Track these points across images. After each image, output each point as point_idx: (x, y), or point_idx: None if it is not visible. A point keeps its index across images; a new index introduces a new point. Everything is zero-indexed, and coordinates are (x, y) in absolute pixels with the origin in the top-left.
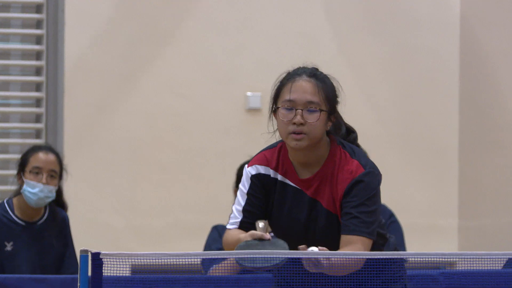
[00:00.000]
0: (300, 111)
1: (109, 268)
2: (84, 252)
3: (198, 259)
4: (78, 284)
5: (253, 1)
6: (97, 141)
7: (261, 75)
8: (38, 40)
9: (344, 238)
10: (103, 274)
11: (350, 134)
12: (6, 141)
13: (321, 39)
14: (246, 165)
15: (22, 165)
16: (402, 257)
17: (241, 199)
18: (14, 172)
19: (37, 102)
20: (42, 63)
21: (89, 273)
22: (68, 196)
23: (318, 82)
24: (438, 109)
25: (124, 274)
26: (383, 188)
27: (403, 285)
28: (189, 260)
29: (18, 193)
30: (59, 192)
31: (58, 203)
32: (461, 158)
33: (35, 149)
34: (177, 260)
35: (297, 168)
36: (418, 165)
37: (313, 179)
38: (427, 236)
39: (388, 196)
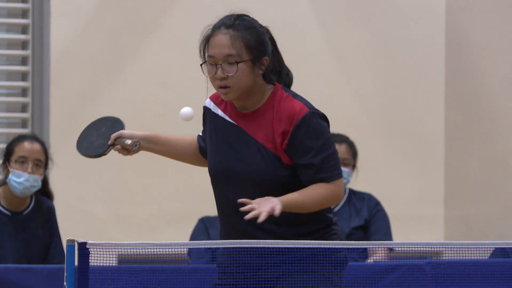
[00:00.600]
0: (220, 66)
1: (95, 258)
2: (71, 242)
3: (185, 249)
4: (65, 273)
5: None
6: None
7: None
8: (23, 29)
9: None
10: (90, 264)
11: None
12: None
13: (307, 30)
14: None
15: (8, 155)
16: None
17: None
18: (0, 161)
19: (23, 92)
20: (27, 52)
21: (76, 263)
22: (54, 185)
23: (236, 32)
24: (423, 99)
25: (110, 264)
26: (369, 178)
27: (340, 277)
28: (176, 249)
29: (3, 183)
30: (45, 182)
31: (44, 193)
32: (446, 148)
33: (20, 138)
34: (164, 249)
35: (236, 104)
36: (404, 155)
37: (251, 115)
38: (413, 226)
39: (374, 186)
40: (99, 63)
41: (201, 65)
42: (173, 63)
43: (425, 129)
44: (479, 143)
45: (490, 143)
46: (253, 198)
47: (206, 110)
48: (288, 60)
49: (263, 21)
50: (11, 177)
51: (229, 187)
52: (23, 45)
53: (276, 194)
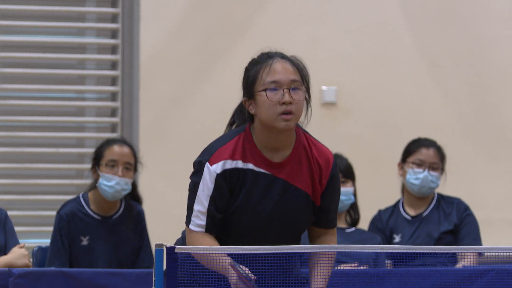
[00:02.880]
0: (287, 90)
1: (183, 262)
2: (159, 246)
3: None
4: (153, 278)
5: None
6: (172, 134)
7: (336, 69)
8: (113, 34)
9: (323, 231)
10: (178, 268)
11: None
12: (82, 135)
13: (397, 31)
14: (206, 163)
15: (97, 159)
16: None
17: (203, 199)
18: (89, 166)
19: (113, 96)
20: (117, 57)
21: (164, 267)
22: (143, 189)
23: (293, 62)
24: None
25: (198, 269)
26: (459, 182)
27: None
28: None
29: (93, 187)
30: (134, 186)
31: (133, 197)
32: None
33: (109, 142)
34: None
35: (266, 154)
36: (494, 158)
37: (287, 163)
38: (503, 230)
39: (463, 189)
40: (189, 67)
41: (247, 97)
42: None
43: None
44: None
45: None
46: (288, 243)
47: (232, 172)
48: (379, 63)
49: (353, 24)
50: (102, 181)
51: (267, 238)
52: (113, 49)
53: (300, 236)
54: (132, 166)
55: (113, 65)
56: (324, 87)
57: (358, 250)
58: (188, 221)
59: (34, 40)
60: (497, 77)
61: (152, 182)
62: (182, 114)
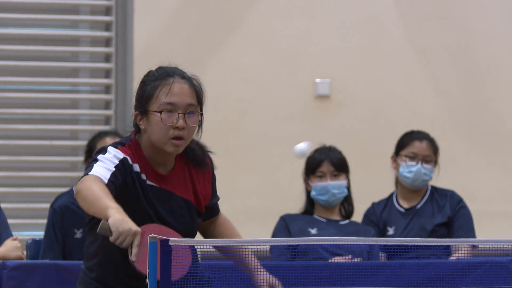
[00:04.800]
0: (182, 115)
1: (177, 255)
2: (153, 239)
3: (267, 246)
4: (147, 270)
5: None
6: None
7: (329, 61)
8: (107, 27)
9: (218, 217)
10: (172, 260)
11: None
12: (76, 127)
13: (389, 25)
14: (115, 147)
15: (90, 152)
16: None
17: (109, 165)
18: (83, 158)
19: (106, 89)
20: (111, 49)
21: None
22: None
23: (192, 84)
24: (506, 95)
25: (192, 261)
26: (452, 175)
27: None
28: (257, 246)
29: None
30: None
31: None
32: None
33: (101, 134)
34: (246, 246)
35: (154, 165)
36: (486, 151)
37: (172, 176)
38: (496, 223)
39: (456, 182)
40: (182, 60)
41: (141, 112)
42: (255, 60)
43: (507, 125)
44: None
45: None
46: None
47: (130, 167)
48: (371, 57)
49: (346, 17)
50: None
51: None
52: (107, 42)
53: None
54: None
55: (107, 58)
56: (318, 80)
57: (352, 243)
58: (87, 171)
59: (27, 33)
60: (489, 71)
61: None
62: None
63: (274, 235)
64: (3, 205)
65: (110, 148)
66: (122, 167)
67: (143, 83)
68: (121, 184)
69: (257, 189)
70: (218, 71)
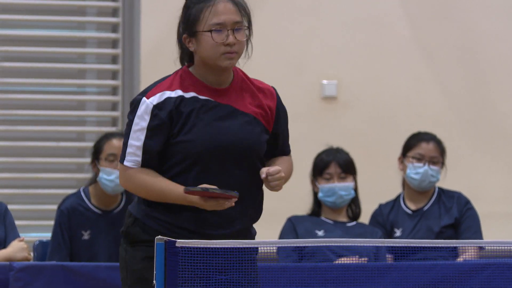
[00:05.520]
0: (231, 31)
1: (184, 256)
2: (160, 240)
3: (274, 248)
4: (154, 272)
5: None
6: None
7: (334, 62)
8: (114, 28)
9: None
10: (179, 262)
11: None
12: (82, 129)
13: (394, 24)
14: (142, 97)
15: (97, 153)
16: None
17: (139, 134)
18: (90, 160)
19: (113, 90)
20: (118, 51)
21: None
22: None
23: (234, 1)
24: (511, 95)
25: (199, 262)
26: (458, 176)
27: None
28: (265, 248)
29: (94, 181)
30: None
31: None
32: None
33: (108, 136)
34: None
35: (208, 83)
36: (493, 152)
37: (229, 90)
38: (503, 224)
39: (463, 183)
40: None
41: (189, 35)
42: (261, 61)
43: None
44: None
45: None
46: (246, 170)
47: (169, 101)
48: (376, 57)
49: (351, 17)
50: (102, 175)
51: (226, 163)
52: (114, 43)
53: (260, 166)
54: None
55: (114, 59)
56: (324, 81)
57: (359, 244)
58: (122, 158)
59: (34, 34)
60: (495, 71)
61: None
62: None
63: (282, 236)
64: (10, 207)
65: (143, 103)
66: (159, 116)
67: (187, 7)
68: (166, 127)
69: (265, 189)
70: None
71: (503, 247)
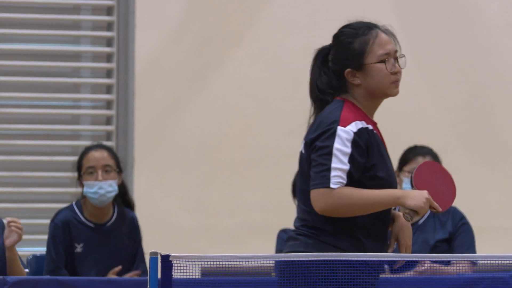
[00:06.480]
0: (396, 60)
1: (178, 270)
2: (154, 254)
3: (271, 262)
4: (148, 286)
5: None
6: (167, 142)
7: None
8: (108, 42)
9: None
10: (173, 276)
11: None
12: (77, 143)
13: None
14: (338, 126)
15: (79, 169)
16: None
17: (343, 159)
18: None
19: (108, 104)
20: (112, 65)
21: (159, 275)
22: (138, 197)
23: (389, 31)
24: (509, 109)
25: (194, 277)
26: None
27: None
28: (260, 262)
29: (83, 196)
30: (124, 190)
31: (124, 201)
32: None
33: (86, 150)
34: (248, 262)
35: (370, 116)
36: (490, 166)
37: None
38: (498, 238)
39: (459, 197)
40: (184, 75)
41: (357, 69)
42: (259, 74)
43: (511, 139)
44: None
45: None
46: None
47: (364, 131)
48: None
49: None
50: (85, 189)
51: None
52: (108, 58)
53: None
54: (112, 167)
55: (108, 73)
56: None
57: (354, 258)
58: (326, 181)
59: (29, 48)
60: (492, 84)
61: (147, 190)
62: (178, 122)
63: (277, 248)
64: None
65: (339, 133)
66: (358, 143)
67: (347, 43)
68: (364, 155)
69: (261, 203)
70: (221, 85)
71: (497, 261)
